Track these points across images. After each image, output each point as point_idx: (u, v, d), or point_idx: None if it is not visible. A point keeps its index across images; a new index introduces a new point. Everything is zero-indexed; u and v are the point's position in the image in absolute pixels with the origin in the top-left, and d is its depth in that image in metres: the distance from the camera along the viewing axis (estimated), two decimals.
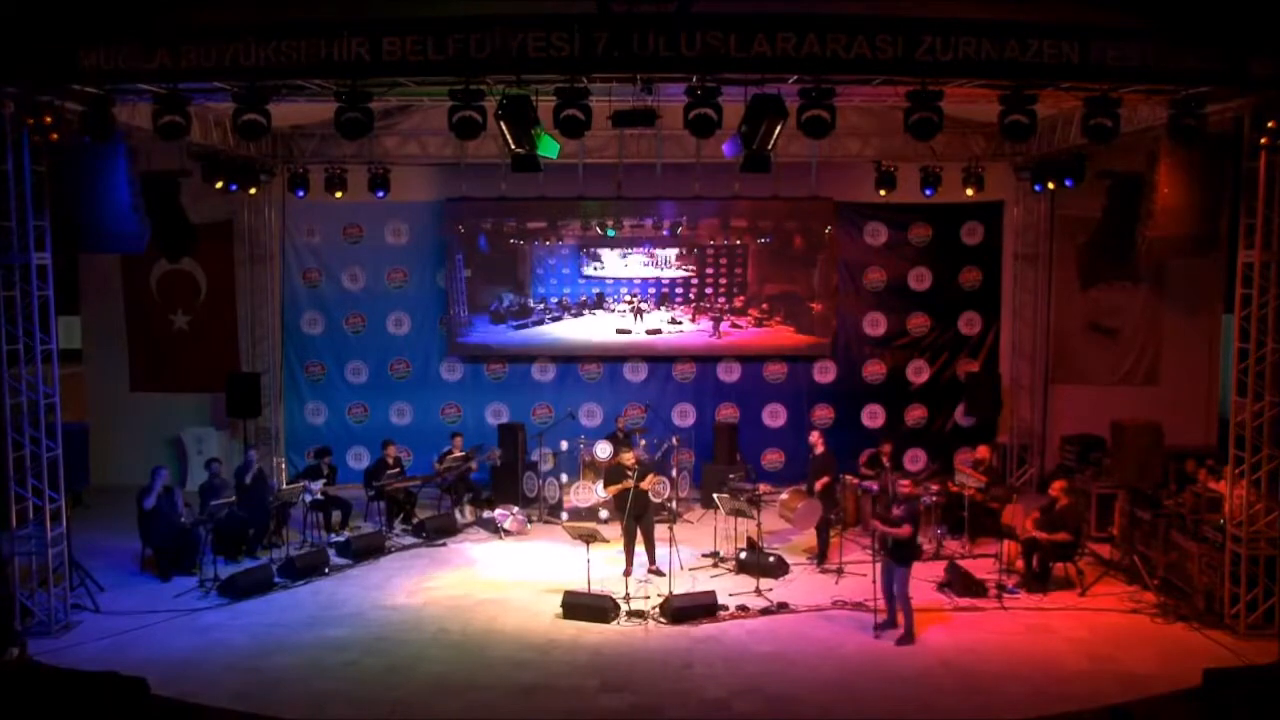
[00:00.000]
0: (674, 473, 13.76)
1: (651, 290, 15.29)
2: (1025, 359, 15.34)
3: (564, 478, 13.68)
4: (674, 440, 13.97)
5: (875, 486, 12.54)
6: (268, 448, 14.72)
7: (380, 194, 14.14)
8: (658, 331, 15.32)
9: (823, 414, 15.52)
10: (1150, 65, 9.02)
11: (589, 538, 10.33)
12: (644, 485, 11.06)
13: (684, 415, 15.61)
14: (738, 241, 15.22)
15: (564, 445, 13.98)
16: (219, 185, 13.28)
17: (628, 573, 10.81)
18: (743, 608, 10.37)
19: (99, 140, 9.87)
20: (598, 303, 15.27)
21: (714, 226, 15.17)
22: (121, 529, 12.23)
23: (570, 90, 9.34)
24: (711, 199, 14.72)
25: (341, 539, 12.61)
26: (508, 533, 13.01)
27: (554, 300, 15.31)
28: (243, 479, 12.24)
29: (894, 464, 12.89)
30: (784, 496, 12.34)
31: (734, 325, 15.34)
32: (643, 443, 13.58)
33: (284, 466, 15.00)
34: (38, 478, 9.87)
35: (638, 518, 11.16)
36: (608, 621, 10.03)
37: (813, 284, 15.26)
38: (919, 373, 15.57)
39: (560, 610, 10.25)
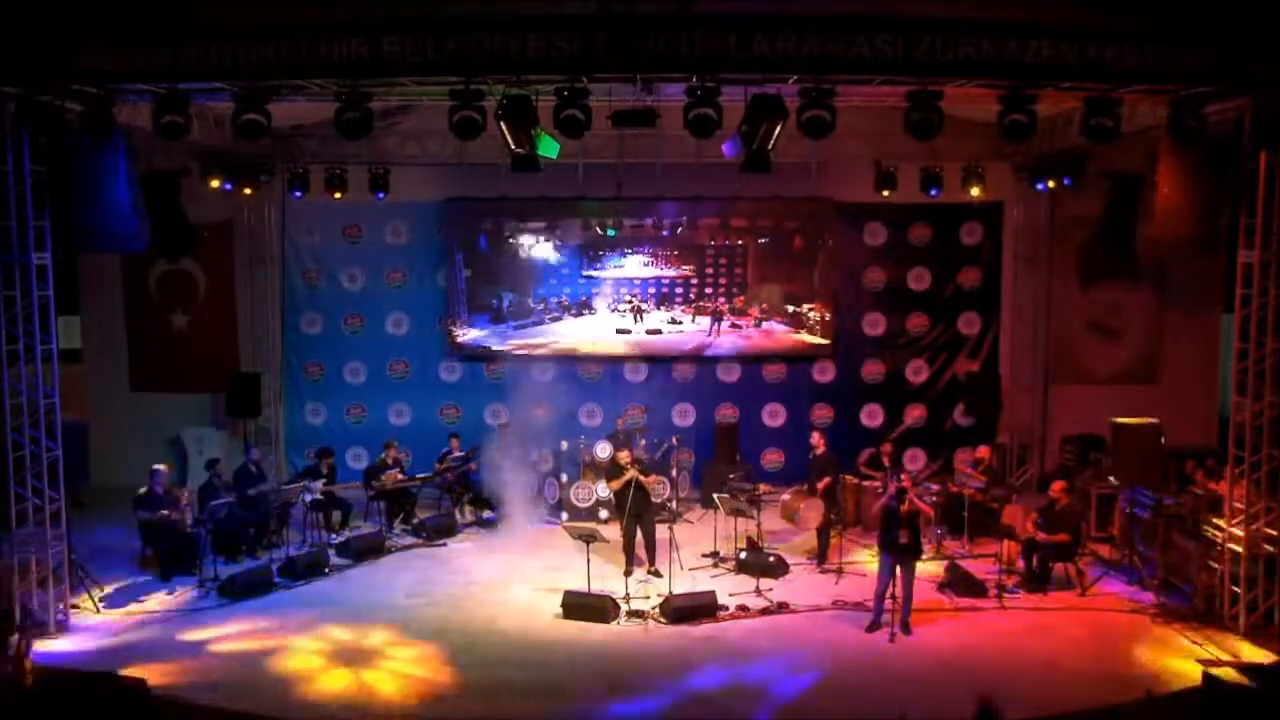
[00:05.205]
0: (674, 473, 13.75)
1: (651, 290, 15.30)
2: (1025, 359, 15.33)
3: (564, 477, 13.68)
4: (674, 440, 13.96)
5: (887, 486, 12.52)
6: (268, 448, 14.71)
7: (380, 194, 14.15)
8: (658, 331, 15.33)
9: (822, 414, 15.50)
10: (1150, 65, 9.01)
11: (589, 538, 10.33)
12: (646, 481, 11.11)
13: (684, 415, 15.59)
14: (738, 241, 15.22)
15: (564, 445, 13.97)
16: (218, 185, 13.30)
17: (628, 573, 10.81)
18: (743, 608, 10.38)
19: (99, 140, 9.85)
20: (598, 303, 15.27)
21: (714, 226, 15.17)
22: (121, 529, 12.22)
23: (570, 90, 9.33)
24: (711, 199, 14.72)
25: (341, 539, 12.61)
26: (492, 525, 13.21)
27: (554, 300, 15.32)
28: (243, 480, 12.23)
29: (894, 463, 12.88)
30: (786, 497, 12.33)
31: (734, 325, 15.35)
32: (643, 443, 13.56)
33: (284, 466, 15.02)
34: (37, 478, 9.87)
35: (637, 517, 11.18)
36: (608, 621, 10.03)
37: (813, 284, 15.27)
38: (918, 373, 15.56)
39: (560, 610, 10.25)
